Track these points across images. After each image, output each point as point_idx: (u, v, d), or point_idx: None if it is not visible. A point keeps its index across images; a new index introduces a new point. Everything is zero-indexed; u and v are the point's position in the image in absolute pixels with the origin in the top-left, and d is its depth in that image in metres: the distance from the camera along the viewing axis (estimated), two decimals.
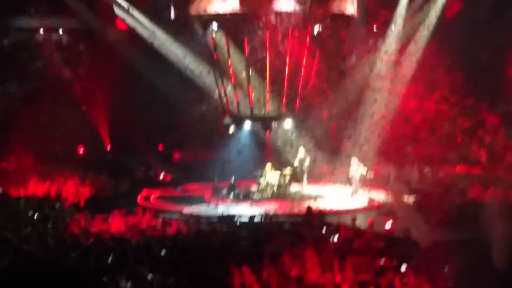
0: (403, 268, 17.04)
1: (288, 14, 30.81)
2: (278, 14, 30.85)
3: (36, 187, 28.40)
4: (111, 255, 17.86)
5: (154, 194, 29.92)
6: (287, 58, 31.81)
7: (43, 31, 35.27)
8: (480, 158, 32.13)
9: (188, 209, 26.42)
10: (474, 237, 20.67)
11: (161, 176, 33.32)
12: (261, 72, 32.51)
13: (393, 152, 32.05)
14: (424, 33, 33.08)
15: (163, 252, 18.48)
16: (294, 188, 30.45)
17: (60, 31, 36.01)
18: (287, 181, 29.91)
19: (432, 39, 32.73)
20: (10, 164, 30.97)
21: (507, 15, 30.94)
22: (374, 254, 18.72)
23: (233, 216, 24.66)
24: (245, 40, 31.90)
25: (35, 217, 23.23)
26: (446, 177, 30.05)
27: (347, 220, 23.68)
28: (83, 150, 34.66)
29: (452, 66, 32.87)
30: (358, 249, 19.60)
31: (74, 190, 28.74)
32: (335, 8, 31.35)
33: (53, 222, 22.65)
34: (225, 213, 25.49)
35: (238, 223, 23.27)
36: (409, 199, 27.71)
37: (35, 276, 13.18)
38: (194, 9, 31.48)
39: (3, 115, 33.36)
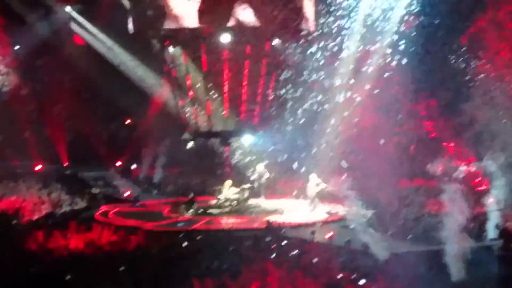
0: (362, 281, 17.22)
1: (246, 29, 31.02)
2: (236, 28, 31.05)
3: None
4: (70, 272, 17.82)
5: (113, 210, 29.70)
6: (246, 73, 32.02)
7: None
8: (437, 171, 32.63)
9: (148, 225, 26.27)
10: (431, 248, 20.97)
11: (121, 192, 33.10)
12: (219, 88, 32.65)
13: (351, 167, 32.33)
14: (381, 47, 33.57)
15: (122, 267, 18.48)
16: (253, 202, 30.46)
17: (17, 47, 35.62)
18: (246, 196, 29.96)
19: (389, 53, 33.22)
20: None
21: (464, 29, 31.46)
22: (333, 268, 18.88)
23: (192, 231, 24.67)
24: (203, 55, 32.10)
25: None
26: (403, 190, 30.34)
27: (306, 234, 23.85)
28: (40, 166, 34.22)
29: (409, 80, 33.31)
30: (318, 263, 19.72)
31: (31, 206, 28.53)
32: (292, 23, 31.64)
33: (10, 239, 22.48)
34: (184, 228, 25.46)
35: (197, 238, 23.23)
36: (367, 212, 28.00)
37: None
38: (152, 24, 31.59)
39: None
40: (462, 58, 31.98)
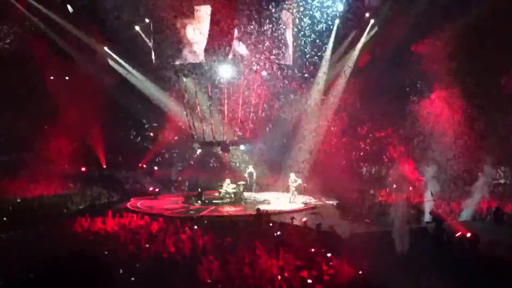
0: (329, 254, 17.19)
1: (241, 62, 31.27)
2: (233, 62, 31.29)
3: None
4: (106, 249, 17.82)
5: (140, 201, 29.61)
6: (241, 98, 32.24)
7: (54, 76, 34.83)
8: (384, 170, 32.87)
9: (167, 212, 26.12)
10: (381, 229, 21.03)
11: (146, 188, 32.99)
12: (221, 108, 32.85)
13: (320, 168, 32.43)
14: (342, 78, 33.90)
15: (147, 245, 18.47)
16: (246, 195, 30.40)
17: (66, 77, 35.53)
18: (241, 190, 29.93)
19: (349, 82, 33.55)
20: (27, 178, 30.34)
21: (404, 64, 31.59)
22: (307, 245, 18.84)
23: (201, 217, 24.61)
24: (208, 83, 32.34)
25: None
26: (361, 185, 30.48)
27: (287, 219, 23.82)
28: (84, 169, 34.13)
29: (364, 102, 33.57)
30: (296, 241, 19.65)
31: (78, 198, 28.54)
32: (276, 58, 31.88)
33: (61, 223, 22.49)
34: (195, 215, 25.39)
35: (205, 222, 23.15)
36: (333, 202, 28.06)
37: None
38: (168, 60, 31.77)
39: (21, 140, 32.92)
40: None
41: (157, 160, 36.94)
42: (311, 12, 32.79)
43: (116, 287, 14.19)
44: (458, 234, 19.79)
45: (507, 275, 14.76)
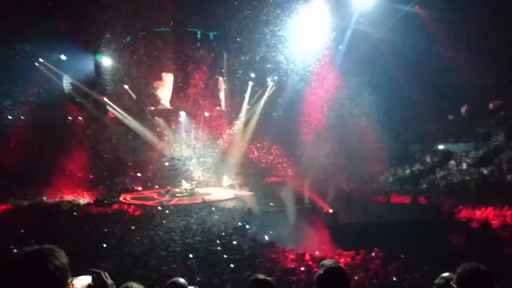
0: (247, 226, 17.24)
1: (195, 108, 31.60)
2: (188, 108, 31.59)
3: None
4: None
5: (129, 196, 28.34)
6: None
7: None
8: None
9: (148, 203, 25.36)
10: (280, 208, 21.35)
11: (133, 187, 31.67)
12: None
13: (243, 171, 32.47)
14: (255, 115, 34.31)
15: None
16: (197, 190, 29.78)
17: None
18: (193, 187, 29.43)
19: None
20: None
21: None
22: (234, 220, 18.82)
23: (170, 205, 24.17)
24: (172, 121, 32.18)
25: None
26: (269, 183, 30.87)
27: (222, 204, 23.82)
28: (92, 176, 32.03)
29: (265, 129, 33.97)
30: (227, 217, 19.64)
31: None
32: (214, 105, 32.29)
33: (80, 210, 21.48)
34: (166, 204, 24.85)
35: (172, 208, 22.74)
36: (251, 193, 28.15)
37: None
38: (148, 107, 31.48)
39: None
40: None
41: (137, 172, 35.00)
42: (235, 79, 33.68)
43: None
44: (325, 210, 20.47)
45: (347, 232, 16.20)
